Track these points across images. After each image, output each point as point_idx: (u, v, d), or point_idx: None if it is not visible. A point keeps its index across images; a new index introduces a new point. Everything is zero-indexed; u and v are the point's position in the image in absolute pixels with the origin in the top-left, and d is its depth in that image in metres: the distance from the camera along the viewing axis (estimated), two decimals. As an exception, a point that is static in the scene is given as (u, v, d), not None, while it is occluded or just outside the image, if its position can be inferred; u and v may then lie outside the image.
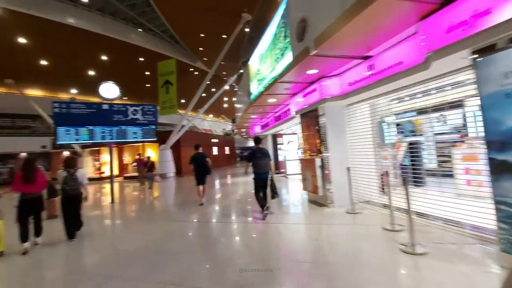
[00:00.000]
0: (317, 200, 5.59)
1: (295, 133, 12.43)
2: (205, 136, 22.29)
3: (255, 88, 7.07)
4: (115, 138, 7.65)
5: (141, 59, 24.65)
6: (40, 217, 4.48)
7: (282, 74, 4.82)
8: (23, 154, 21.26)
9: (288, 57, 4.49)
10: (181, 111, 30.36)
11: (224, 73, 28.90)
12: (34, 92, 22.66)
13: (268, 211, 5.05)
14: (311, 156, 5.59)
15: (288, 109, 7.44)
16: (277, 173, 12.52)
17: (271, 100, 6.79)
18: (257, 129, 12.17)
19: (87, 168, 17.93)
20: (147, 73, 26.49)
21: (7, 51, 18.47)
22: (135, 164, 13.17)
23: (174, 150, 16.47)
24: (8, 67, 19.41)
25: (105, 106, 7.61)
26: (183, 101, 32.51)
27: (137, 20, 21.41)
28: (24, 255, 3.99)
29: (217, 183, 12.37)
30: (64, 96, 23.53)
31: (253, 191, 5.26)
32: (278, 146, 12.52)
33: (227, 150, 25.93)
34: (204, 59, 26.21)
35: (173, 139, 16.14)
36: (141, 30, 22.91)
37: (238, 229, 4.69)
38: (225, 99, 39.52)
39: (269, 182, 5.16)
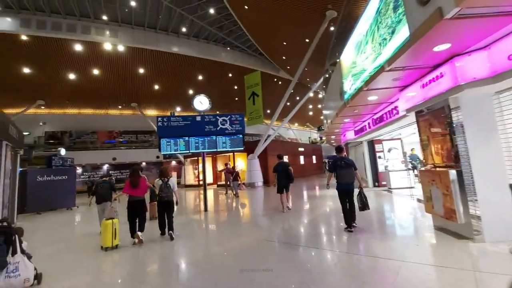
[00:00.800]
0: (451, 228, 4.02)
1: (399, 138, 10.41)
2: (291, 145, 21.84)
3: (349, 85, 6.01)
4: (206, 148, 7.90)
5: (230, 75, 26.64)
6: (143, 216, 5.20)
7: (392, 59, 3.69)
8: (144, 164, 26.03)
9: (402, 34, 3.36)
10: (266, 121, 31.21)
11: (308, 79, 28.07)
12: (150, 112, 27.57)
13: (353, 228, 4.75)
14: (438, 166, 4.11)
15: (394, 108, 6.01)
16: (376, 186, 10.69)
17: (372, 97, 5.58)
18: (350, 135, 10.75)
19: (188, 176, 20.19)
20: (235, 87, 28.49)
21: (132, 80, 23.19)
22: (223, 170, 13.77)
23: (261, 160, 16.59)
24: (133, 93, 24.31)
25: (198, 118, 7.99)
26: (268, 111, 33.44)
27: (226, 39, 23.28)
28: (133, 245, 4.88)
29: (304, 194, 11.52)
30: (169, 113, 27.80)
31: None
32: (377, 155, 10.70)
33: (314, 159, 24.68)
34: (287, 67, 26.14)
35: (260, 148, 16.30)
36: (229, 48, 24.81)
37: (323, 260, 3.67)
38: (310, 106, 38.47)
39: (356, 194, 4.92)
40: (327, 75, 21.57)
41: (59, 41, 18.40)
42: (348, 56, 6.09)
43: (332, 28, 14.56)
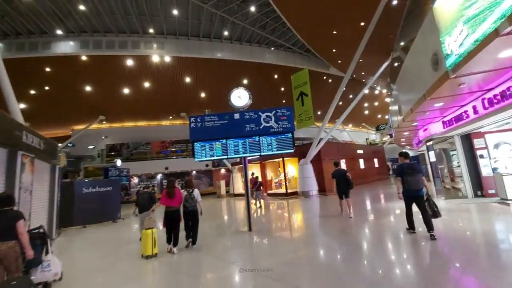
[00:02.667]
0: None
1: (511, 129, 7.48)
2: (348, 148, 19.16)
3: (458, 41, 3.83)
4: (248, 152, 6.41)
5: (276, 76, 25.24)
6: (177, 227, 5.31)
7: None
8: (194, 173, 26.13)
9: None
10: (317, 124, 28.77)
11: (363, 73, 24.98)
12: (198, 121, 27.72)
13: (433, 236, 4.42)
14: None
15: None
16: (480, 196, 7.81)
17: (507, 53, 3.36)
18: (435, 129, 8.12)
19: (237, 184, 19.13)
20: (282, 89, 26.94)
21: (180, 90, 23.55)
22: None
23: (314, 165, 14.54)
24: (181, 103, 24.69)
25: (236, 116, 6.59)
26: (319, 113, 30.95)
27: (269, 38, 22.02)
28: (169, 253, 5.15)
29: (367, 203, 9.17)
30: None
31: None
32: (477, 153, 7.84)
33: (376, 162, 21.39)
34: (338, 62, 23.58)
35: (312, 152, 14.29)
36: (273, 48, 23.49)
37: None
38: (365, 105, 34.69)
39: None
40: (395, 64, 18.51)
41: (113, 58, 19.49)
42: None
43: (395, 2, 11.96)
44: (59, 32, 18.35)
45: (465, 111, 6.14)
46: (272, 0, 15.46)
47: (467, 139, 8.01)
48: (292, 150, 6.32)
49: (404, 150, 5.10)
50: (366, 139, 36.49)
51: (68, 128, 26.42)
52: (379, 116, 39.68)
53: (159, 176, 24.57)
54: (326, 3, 13.63)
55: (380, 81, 26.63)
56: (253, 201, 11.27)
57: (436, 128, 8.06)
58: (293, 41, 22.67)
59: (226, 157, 6.31)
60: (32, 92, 20.76)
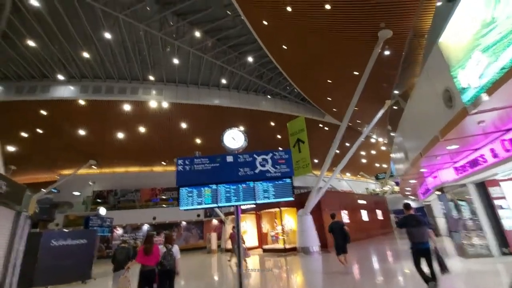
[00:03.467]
0: None
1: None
2: (349, 197, 18.15)
3: (477, 72, 3.42)
4: (241, 199, 5.54)
5: (272, 123, 25.42)
6: None
7: None
8: (184, 224, 24.25)
9: None
10: (315, 172, 28.11)
11: (358, 121, 25.33)
12: (192, 167, 26.92)
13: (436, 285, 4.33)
14: None
15: None
16: (507, 253, 6.77)
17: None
18: (446, 175, 7.47)
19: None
20: (278, 136, 26.92)
21: (175, 136, 23.27)
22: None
23: (315, 216, 13.39)
24: (176, 149, 24.19)
25: (229, 158, 5.88)
26: (316, 161, 30.55)
27: (265, 87, 22.71)
28: None
29: (374, 264, 7.91)
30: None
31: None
32: (496, 203, 7.05)
33: (379, 214, 20.14)
34: (333, 110, 24.05)
35: (312, 201, 13.27)
36: (269, 96, 24.12)
37: None
38: (362, 153, 34.63)
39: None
40: (395, 107, 18.70)
41: (110, 103, 19.59)
42: (462, 28, 3.67)
43: (387, 52, 12.45)
44: (60, 77, 18.70)
45: (482, 155, 5.57)
46: (268, 51, 16.23)
47: (482, 188, 7.30)
48: (292, 198, 5.47)
49: (406, 201, 5.13)
50: (366, 188, 35.46)
51: (55, 173, 25.26)
52: (377, 164, 39.39)
53: (145, 227, 22.64)
54: (320, 54, 14.23)
55: (376, 129, 26.91)
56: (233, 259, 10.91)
57: (447, 175, 7.41)
58: (289, 90, 23.41)
59: (216, 205, 5.41)
60: (23, 134, 20.27)
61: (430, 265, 4.51)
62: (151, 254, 4.90)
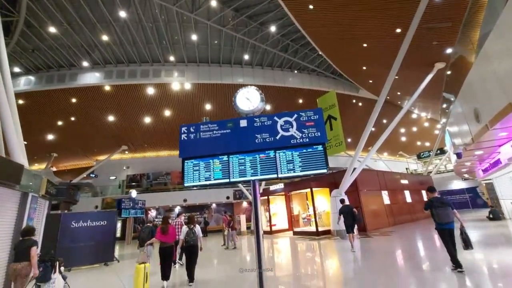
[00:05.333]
0: None
1: None
2: (390, 177, 16.20)
3: None
4: (259, 173, 4.44)
5: (300, 100, 23.72)
6: (170, 263, 5.58)
7: None
8: (214, 206, 24.18)
9: None
10: (348, 152, 26.03)
11: (399, 93, 22.49)
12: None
13: (458, 268, 4.65)
14: None
15: None
16: None
17: None
18: None
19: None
20: (307, 115, 25.12)
21: (200, 117, 22.78)
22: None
23: (351, 197, 11.97)
24: (201, 132, 23.73)
25: (243, 123, 4.76)
26: (349, 140, 28.32)
27: (292, 61, 20.89)
28: None
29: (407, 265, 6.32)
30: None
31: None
32: None
33: (424, 195, 17.93)
34: (369, 81, 21.53)
35: (347, 181, 11.84)
36: (296, 71, 22.28)
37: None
38: (402, 131, 31.42)
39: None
40: (448, 71, 16.01)
41: (134, 87, 19.43)
42: None
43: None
44: (85, 64, 18.85)
45: None
46: (294, 17, 14.42)
47: None
48: (325, 170, 4.22)
49: (431, 185, 5.68)
50: (406, 168, 32.47)
51: (92, 159, 26.48)
52: (419, 143, 35.79)
53: (177, 209, 22.93)
54: (354, 12, 12.15)
55: (420, 102, 23.82)
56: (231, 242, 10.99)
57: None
58: (317, 62, 21.34)
59: (227, 180, 4.36)
60: (59, 122, 21.13)
61: (453, 245, 4.80)
62: (168, 233, 5.55)
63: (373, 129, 19.72)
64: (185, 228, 5.86)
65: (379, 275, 5.38)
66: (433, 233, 8.02)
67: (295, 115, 4.64)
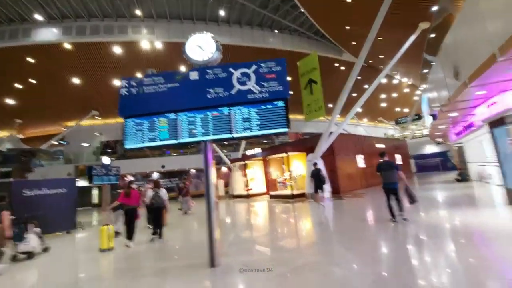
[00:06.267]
0: None
1: None
2: (366, 141, 16.30)
3: None
4: (211, 133, 3.90)
5: (282, 64, 22.62)
6: (133, 225, 5.86)
7: None
8: (193, 171, 23.89)
9: None
10: (329, 117, 25.90)
11: (381, 56, 21.87)
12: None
13: (404, 216, 5.43)
14: None
15: None
16: None
17: None
18: (510, 104, 5.35)
19: (236, 184, 16.73)
20: (288, 78, 24.21)
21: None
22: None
23: (327, 161, 11.92)
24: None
25: (193, 75, 4.09)
26: (330, 105, 28.03)
27: (272, 19, 19.41)
28: (127, 247, 5.60)
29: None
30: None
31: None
32: None
33: (398, 159, 18.39)
34: (352, 43, 20.63)
35: (323, 145, 11.65)
36: (277, 31, 20.88)
37: None
38: (382, 96, 31.41)
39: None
40: (432, 34, 15.42)
41: (100, 46, 17.51)
42: None
43: None
44: (38, 17, 16.53)
45: None
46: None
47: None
48: (286, 129, 3.77)
49: (382, 151, 6.37)
50: (384, 134, 33.18)
51: (61, 125, 24.80)
52: (398, 109, 36.25)
53: (155, 175, 22.49)
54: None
55: (401, 66, 23.41)
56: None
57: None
58: (299, 21, 19.98)
59: (175, 141, 3.83)
60: (17, 86, 19.09)
61: (398, 200, 5.55)
62: (130, 197, 5.87)
63: (355, 94, 19.38)
64: (150, 192, 6.34)
65: (339, 230, 6.05)
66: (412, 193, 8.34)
67: (254, 66, 4.02)
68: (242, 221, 8.76)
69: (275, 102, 3.85)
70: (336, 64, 24.52)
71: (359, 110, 31.55)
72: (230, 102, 3.87)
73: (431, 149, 25.26)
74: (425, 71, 23.23)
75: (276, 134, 3.82)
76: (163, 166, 22.11)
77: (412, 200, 5.67)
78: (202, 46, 4.26)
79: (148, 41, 17.91)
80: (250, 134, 3.79)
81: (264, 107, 3.84)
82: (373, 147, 16.28)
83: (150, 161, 22.54)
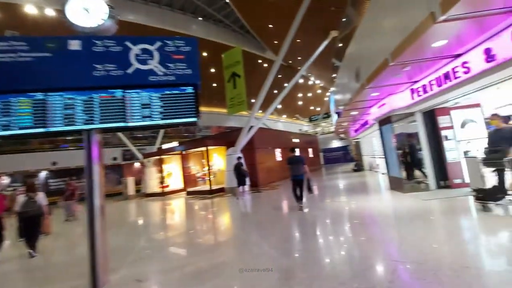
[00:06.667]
0: None
1: (477, 105, 6.13)
2: (284, 136, 17.30)
3: None
4: (98, 121, 3.08)
5: (204, 54, 21.73)
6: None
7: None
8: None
9: None
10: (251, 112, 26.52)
11: (299, 58, 23.59)
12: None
13: (302, 204, 6.22)
14: None
15: None
16: (444, 187, 6.31)
17: None
18: (400, 101, 6.29)
19: (150, 181, 15.21)
20: (212, 70, 23.56)
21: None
22: None
23: (246, 155, 11.98)
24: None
25: (73, 44, 3.17)
26: (253, 100, 28.76)
27: (197, 5, 18.34)
28: None
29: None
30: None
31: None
32: (443, 134, 6.31)
33: (310, 152, 20.31)
34: (275, 42, 21.50)
35: (243, 140, 11.67)
36: (201, 18, 19.89)
37: None
38: (299, 95, 34.23)
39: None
40: (340, 44, 17.14)
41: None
42: None
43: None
44: None
45: (454, 69, 4.20)
46: None
47: (430, 117, 6.45)
48: (196, 119, 3.30)
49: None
50: (300, 129, 36.36)
51: None
52: (312, 107, 40.22)
53: (43, 174, 18.39)
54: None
55: (316, 69, 25.85)
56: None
57: (401, 100, 6.21)
58: (225, 12, 19.52)
59: (42, 130, 2.87)
60: None
61: (301, 190, 6.25)
62: None
63: (276, 91, 20.26)
64: (21, 198, 5.02)
65: (250, 219, 6.44)
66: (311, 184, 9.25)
67: (158, 43, 3.38)
68: (152, 222, 7.89)
69: (183, 88, 3.33)
70: (260, 61, 25.20)
71: (279, 106, 33.62)
72: (126, 84, 3.15)
73: (336, 143, 29.04)
74: (334, 75, 26.39)
75: (184, 125, 3.31)
76: (54, 163, 18.28)
77: (310, 190, 6.46)
78: (89, 9, 3.34)
79: (36, 6, 14.23)
80: (150, 123, 3.18)
81: (170, 93, 3.28)
82: (289, 141, 17.43)
83: (36, 156, 18.26)
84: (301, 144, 19.23)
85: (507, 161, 3.91)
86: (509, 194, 4.21)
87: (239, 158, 9.84)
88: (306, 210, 6.11)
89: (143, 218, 8.95)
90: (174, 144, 14.27)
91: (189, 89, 3.32)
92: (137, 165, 20.35)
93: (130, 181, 14.99)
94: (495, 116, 4.50)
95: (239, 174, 9.47)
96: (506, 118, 4.39)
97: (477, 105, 6.06)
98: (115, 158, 19.52)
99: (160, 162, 14.27)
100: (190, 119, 3.27)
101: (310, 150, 20.66)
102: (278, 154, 15.00)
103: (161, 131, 17.45)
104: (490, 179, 4.60)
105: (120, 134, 16.69)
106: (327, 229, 4.78)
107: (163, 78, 3.25)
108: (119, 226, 7.20)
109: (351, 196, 7.86)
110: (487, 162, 4.45)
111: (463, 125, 6.11)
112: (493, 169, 4.37)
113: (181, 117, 3.25)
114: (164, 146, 14.51)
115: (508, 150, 4.00)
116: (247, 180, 11.28)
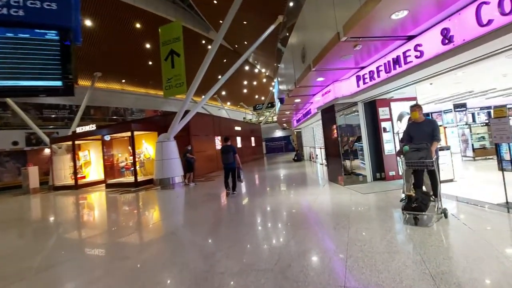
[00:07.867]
0: None
1: (414, 98, 6.21)
2: (225, 123, 16.33)
3: None
4: None
5: (138, 25, 18.93)
6: None
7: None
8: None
9: None
10: (194, 98, 24.65)
11: (246, 42, 22.63)
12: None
13: (234, 191, 6.71)
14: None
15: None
16: (380, 179, 6.31)
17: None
18: (345, 89, 5.94)
19: (60, 171, 12.58)
20: (147, 46, 20.79)
21: None
22: None
23: (181, 142, 10.68)
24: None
25: None
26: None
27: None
28: None
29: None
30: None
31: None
32: (382, 126, 6.26)
33: (253, 141, 19.90)
34: (220, 22, 20.03)
35: (176, 125, 10.31)
36: (134, -18, 17.07)
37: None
38: (245, 83, 33.48)
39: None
40: (287, 33, 16.55)
41: None
42: None
43: None
44: None
45: (405, 53, 3.86)
46: None
47: (371, 108, 6.34)
48: (60, 83, 2.10)
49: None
50: (244, 118, 35.87)
51: None
52: (257, 96, 40.02)
53: None
54: None
55: (262, 56, 25.26)
56: None
57: (346, 88, 5.86)
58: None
59: None
60: None
61: (234, 177, 6.65)
62: None
63: (220, 77, 19.00)
64: None
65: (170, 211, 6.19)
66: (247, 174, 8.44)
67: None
68: (50, 225, 6.14)
69: (45, 32, 2.08)
70: (203, 42, 23.35)
71: (224, 93, 32.34)
72: None
73: (279, 133, 29.46)
74: (280, 65, 26.35)
75: (42, 92, 2.08)
76: None
77: (239, 179, 6.79)
78: None
79: None
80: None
81: (24, 36, 2.01)
82: (231, 129, 16.59)
83: None
84: (243, 132, 18.59)
85: (432, 161, 3.34)
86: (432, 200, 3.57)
87: (187, 146, 9.86)
88: (233, 194, 6.57)
89: (44, 217, 7.00)
90: (92, 127, 11.96)
91: (53, 36, 2.09)
92: (47, 151, 16.82)
93: (33, 171, 12.06)
94: (416, 107, 3.74)
95: (186, 161, 9.45)
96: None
97: (414, 99, 6.15)
98: (15, 143, 15.69)
99: (74, 149, 11.79)
100: (52, 82, 2.07)
101: (252, 138, 20.24)
102: (218, 142, 14.02)
103: (80, 111, 14.50)
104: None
105: (18, 110, 13.28)
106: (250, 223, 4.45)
107: (18, 14, 1.95)
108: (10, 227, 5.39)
109: (289, 185, 7.80)
110: (412, 164, 3.55)
111: (400, 118, 6.15)
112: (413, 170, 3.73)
113: (39, 78, 2.05)
114: (80, 130, 12.04)
115: (430, 147, 3.39)
116: (180, 171, 10.09)
